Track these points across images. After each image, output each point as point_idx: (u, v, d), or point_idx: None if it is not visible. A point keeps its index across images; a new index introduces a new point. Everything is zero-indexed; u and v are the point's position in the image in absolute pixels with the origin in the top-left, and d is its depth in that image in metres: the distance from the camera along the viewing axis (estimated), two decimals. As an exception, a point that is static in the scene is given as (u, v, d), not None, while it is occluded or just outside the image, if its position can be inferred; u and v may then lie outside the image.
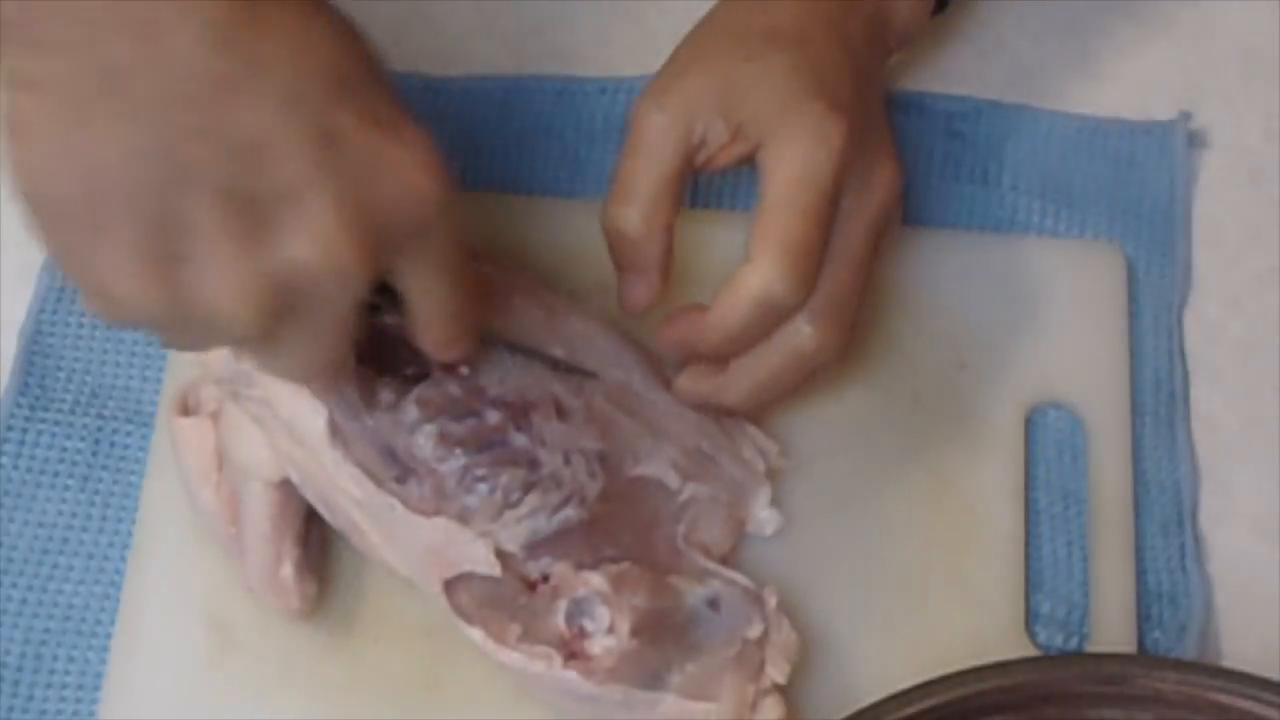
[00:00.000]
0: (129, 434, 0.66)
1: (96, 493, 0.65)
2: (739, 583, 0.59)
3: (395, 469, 0.56)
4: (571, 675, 0.56)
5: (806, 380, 0.60)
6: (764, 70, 0.57)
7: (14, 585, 0.63)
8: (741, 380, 0.59)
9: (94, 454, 0.65)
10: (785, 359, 0.58)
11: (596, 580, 0.56)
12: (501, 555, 0.56)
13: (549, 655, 0.56)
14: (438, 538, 0.56)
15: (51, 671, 0.62)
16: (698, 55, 0.59)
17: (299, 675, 0.60)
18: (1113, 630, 0.62)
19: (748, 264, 0.55)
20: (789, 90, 0.56)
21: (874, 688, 0.55)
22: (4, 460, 0.65)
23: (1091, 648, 0.62)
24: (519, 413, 0.58)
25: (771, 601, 0.59)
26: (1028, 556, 0.63)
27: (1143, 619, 0.63)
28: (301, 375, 0.52)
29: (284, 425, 0.57)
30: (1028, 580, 0.63)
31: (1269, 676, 0.54)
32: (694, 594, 0.58)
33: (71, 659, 0.62)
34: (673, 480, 0.60)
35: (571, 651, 0.56)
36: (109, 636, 0.62)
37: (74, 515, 0.65)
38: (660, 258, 0.57)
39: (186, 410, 0.62)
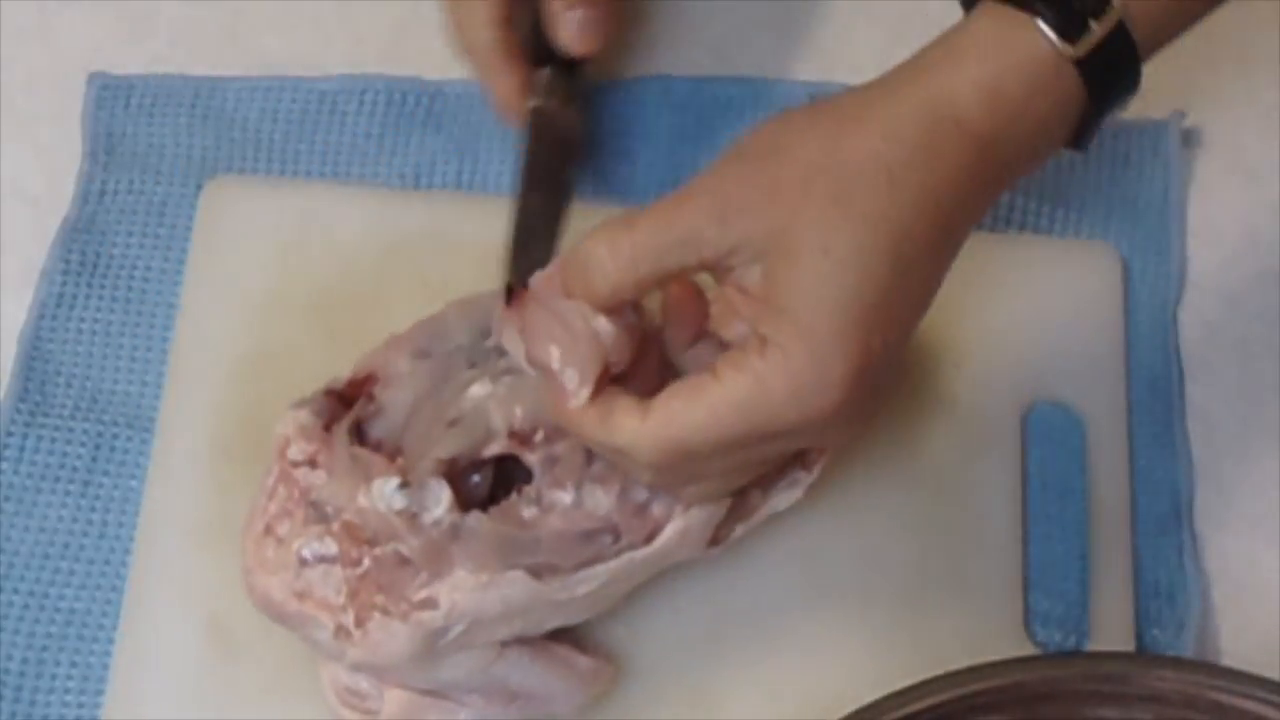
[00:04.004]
0: (129, 439, 0.66)
1: (97, 498, 0.65)
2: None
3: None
4: None
5: None
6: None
7: (15, 591, 0.63)
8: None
9: (94, 459, 0.66)
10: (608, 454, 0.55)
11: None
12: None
13: None
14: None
15: (54, 676, 0.62)
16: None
17: (299, 678, 0.60)
18: (1111, 628, 0.62)
19: (638, 420, 0.52)
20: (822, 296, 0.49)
21: (874, 687, 0.55)
22: (4, 466, 0.65)
23: (1090, 645, 0.62)
24: None
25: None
26: (1025, 554, 0.64)
27: (1141, 616, 0.63)
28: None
29: None
30: (1026, 578, 0.63)
31: (1267, 675, 0.55)
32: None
33: (74, 664, 0.63)
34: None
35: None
36: (110, 641, 0.63)
37: (74, 520, 0.65)
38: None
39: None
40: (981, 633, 0.62)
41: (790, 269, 0.49)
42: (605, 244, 0.51)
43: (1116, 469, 0.65)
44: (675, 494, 0.56)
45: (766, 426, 0.51)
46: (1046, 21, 0.50)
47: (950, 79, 0.51)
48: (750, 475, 0.57)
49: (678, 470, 0.53)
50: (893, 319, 0.51)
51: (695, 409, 0.51)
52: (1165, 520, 0.65)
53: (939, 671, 0.55)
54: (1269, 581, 0.64)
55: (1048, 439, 0.66)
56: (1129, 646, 0.62)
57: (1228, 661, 0.61)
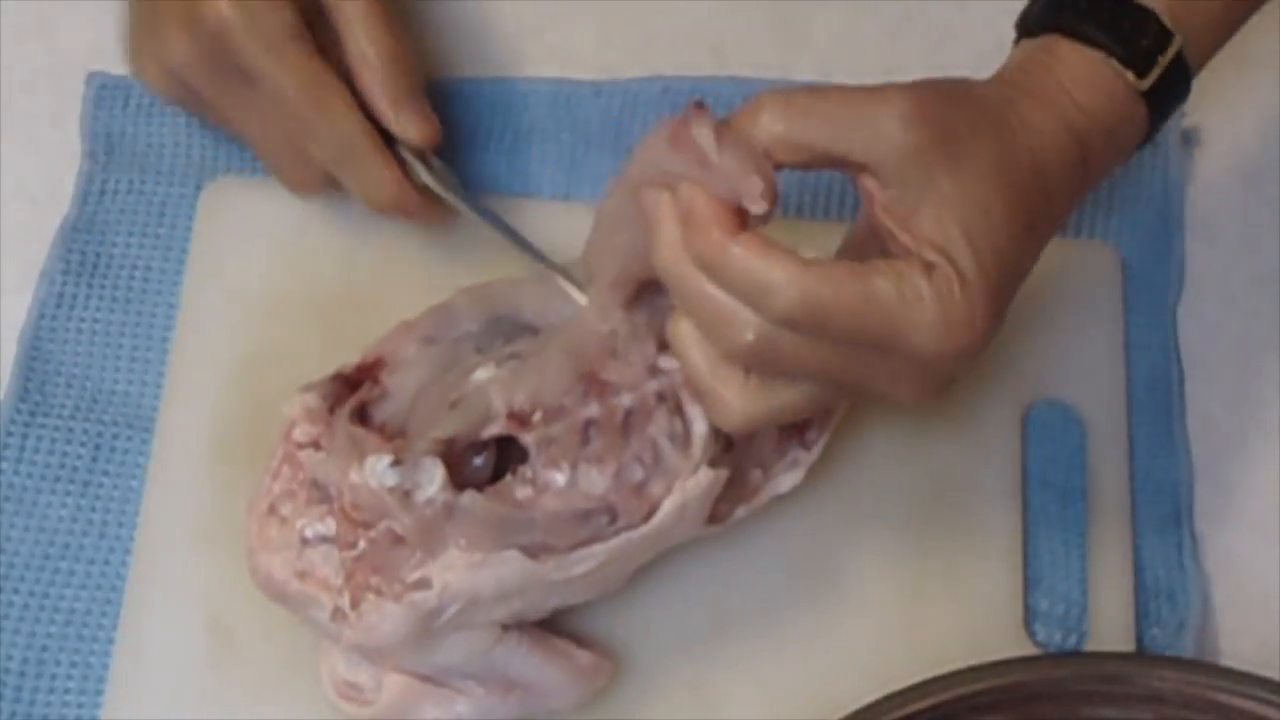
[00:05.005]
0: (129, 439, 0.66)
1: (97, 498, 0.65)
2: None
3: None
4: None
5: None
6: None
7: (15, 591, 0.63)
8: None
9: (94, 459, 0.66)
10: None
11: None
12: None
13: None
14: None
15: (54, 676, 0.62)
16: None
17: (300, 678, 0.61)
18: (1111, 627, 0.62)
19: (800, 264, 0.51)
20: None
21: (873, 687, 0.55)
22: (4, 466, 0.65)
23: (1090, 645, 0.62)
24: None
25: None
26: (1026, 554, 0.64)
27: (1141, 616, 0.63)
28: None
29: None
30: (1026, 578, 0.63)
31: (1267, 675, 0.55)
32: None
33: (74, 664, 0.63)
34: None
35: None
36: (110, 641, 0.63)
37: (75, 521, 0.65)
38: None
39: None
40: (981, 632, 0.62)
41: (953, 217, 0.52)
42: (784, 96, 0.52)
43: (1116, 469, 0.65)
44: (726, 386, 0.54)
45: (900, 338, 0.51)
46: (1118, 59, 0.54)
47: (1060, 97, 0.54)
48: (819, 404, 0.55)
49: (785, 343, 0.52)
50: (1007, 294, 0.53)
51: (856, 283, 0.51)
52: (1165, 520, 0.65)
53: (939, 671, 0.55)
54: (1269, 581, 0.64)
55: (1048, 439, 0.66)
56: (1129, 646, 0.62)
57: (1228, 661, 0.61)
